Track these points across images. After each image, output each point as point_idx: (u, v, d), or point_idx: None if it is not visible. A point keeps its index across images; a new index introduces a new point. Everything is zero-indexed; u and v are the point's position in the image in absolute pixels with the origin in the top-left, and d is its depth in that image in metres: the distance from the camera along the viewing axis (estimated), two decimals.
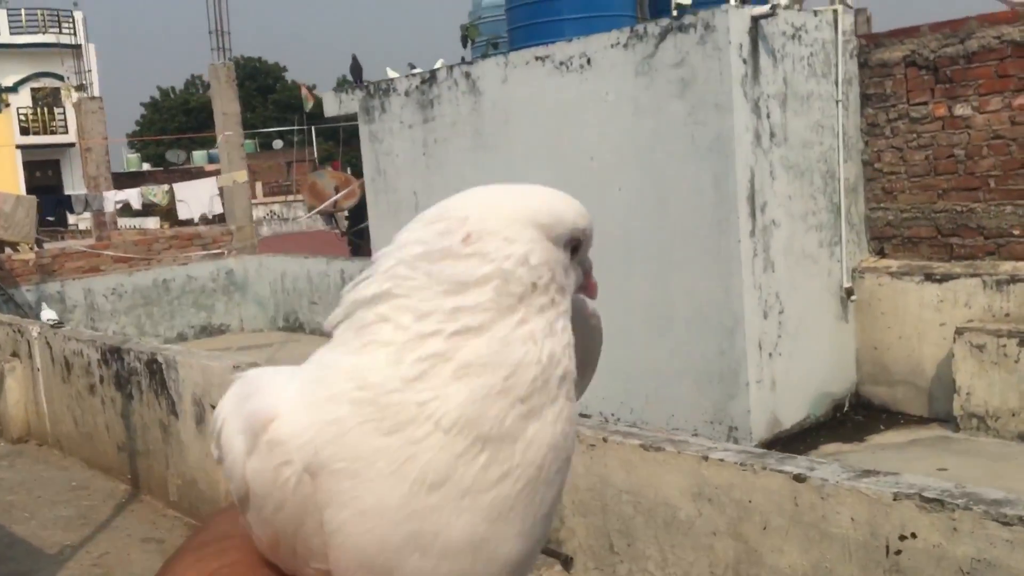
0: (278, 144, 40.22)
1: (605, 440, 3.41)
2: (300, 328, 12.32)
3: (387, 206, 8.89)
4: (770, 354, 6.55)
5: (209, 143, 40.34)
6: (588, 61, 7.00)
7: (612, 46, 6.85)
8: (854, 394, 7.21)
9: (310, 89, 34.16)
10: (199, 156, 38.64)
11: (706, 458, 3.09)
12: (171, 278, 12.25)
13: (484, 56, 8.25)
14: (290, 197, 31.12)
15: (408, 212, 8.81)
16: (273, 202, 30.41)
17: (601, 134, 7.02)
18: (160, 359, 5.95)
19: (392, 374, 0.44)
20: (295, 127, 30.60)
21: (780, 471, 2.93)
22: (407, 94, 8.41)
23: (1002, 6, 6.46)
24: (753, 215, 6.41)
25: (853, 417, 7.09)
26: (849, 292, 7.06)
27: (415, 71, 8.46)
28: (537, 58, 7.32)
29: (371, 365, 0.44)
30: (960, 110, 6.68)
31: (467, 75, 7.87)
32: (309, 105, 28.66)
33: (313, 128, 28.62)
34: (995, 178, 6.57)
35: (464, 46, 8.97)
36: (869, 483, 2.71)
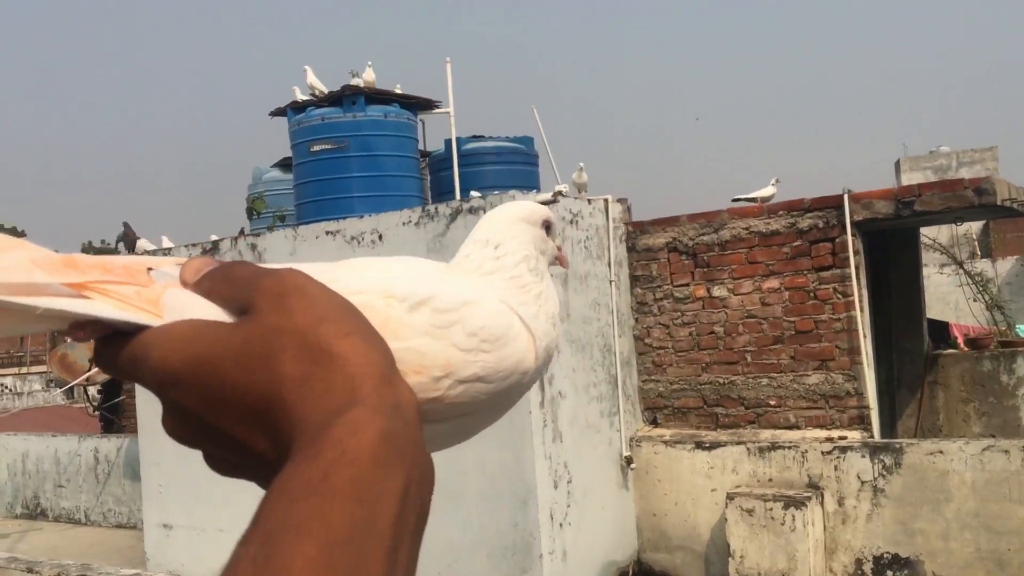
0: None
1: None
2: (43, 515, 11.10)
3: None
4: (561, 524, 6.67)
5: None
6: (380, 237, 7.17)
7: (404, 224, 7.08)
8: (636, 561, 7.43)
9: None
10: None
11: None
12: None
13: (271, 228, 8.22)
14: (23, 369, 28.59)
15: None
16: (6, 375, 27.80)
17: None
18: None
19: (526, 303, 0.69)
20: None
21: None
22: None
23: (746, 203, 7.33)
24: (542, 387, 6.66)
25: None
26: (628, 460, 7.39)
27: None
28: (328, 232, 7.40)
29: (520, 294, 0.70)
30: (717, 291, 7.39)
31: (253, 246, 7.80)
32: None
33: None
34: (751, 353, 7.25)
35: (250, 218, 8.91)
36: None
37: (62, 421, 17.20)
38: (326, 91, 8.67)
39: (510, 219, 0.74)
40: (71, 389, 16.64)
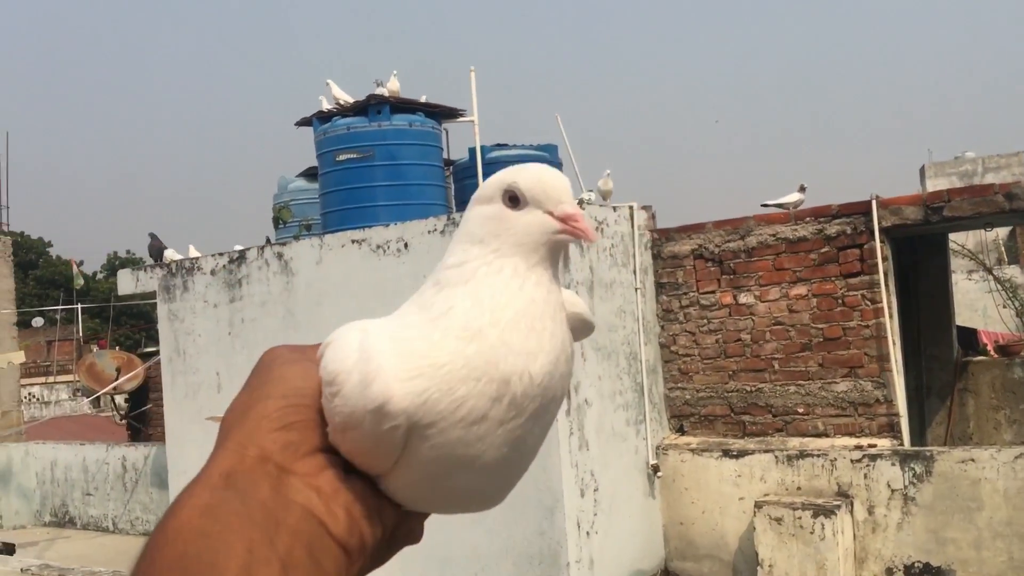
0: (38, 322, 37.56)
1: None
2: (71, 523, 11.19)
3: (185, 387, 8.47)
4: (587, 532, 6.64)
5: None
6: (405, 245, 7.19)
7: (429, 232, 7.09)
8: (664, 570, 7.39)
9: (79, 265, 32.44)
10: None
11: None
12: None
13: (297, 237, 8.27)
14: (51, 379, 28.84)
15: (209, 393, 8.45)
16: (33, 384, 28.08)
17: None
18: None
19: (449, 352, 0.54)
20: (61, 306, 28.83)
21: None
22: (213, 273, 8.23)
23: (775, 209, 7.30)
24: (568, 395, 6.62)
25: None
26: (655, 468, 7.36)
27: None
28: (353, 241, 7.43)
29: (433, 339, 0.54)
30: (744, 299, 7.35)
31: (279, 255, 7.84)
32: (80, 282, 27.19)
33: (80, 306, 27.05)
34: (779, 360, 7.20)
35: (276, 227, 8.97)
36: None
37: (90, 430, 17.35)
38: (351, 101, 8.72)
39: (469, 205, 0.59)
40: (98, 398, 16.79)
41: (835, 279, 7.02)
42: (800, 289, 7.12)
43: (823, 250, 7.06)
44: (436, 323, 0.54)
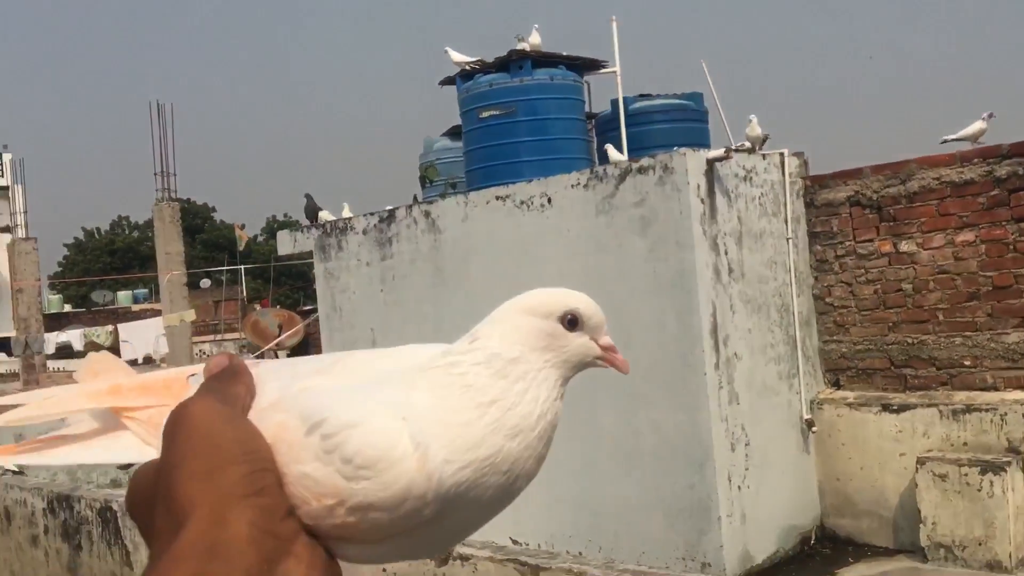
0: (205, 283, 39.80)
1: None
2: None
3: (342, 344, 8.80)
4: (739, 487, 6.55)
5: (134, 284, 39.69)
6: (549, 200, 7.19)
7: (572, 186, 7.06)
8: (819, 526, 7.22)
9: (241, 228, 34.10)
10: (123, 297, 37.89)
11: None
12: None
13: (443, 196, 8.41)
14: (218, 336, 30.58)
15: (365, 347, 8.60)
16: (203, 341, 29.89)
17: (561, 270, 7.14)
18: (115, 506, 5.67)
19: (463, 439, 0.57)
20: (226, 267, 30.41)
21: None
22: (365, 232, 8.47)
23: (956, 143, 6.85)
24: (717, 348, 6.53)
25: (820, 550, 7.07)
26: (809, 423, 7.16)
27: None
28: (497, 197, 7.49)
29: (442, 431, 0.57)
30: (905, 247, 7.00)
31: (427, 214, 7.99)
32: (243, 244, 28.60)
33: (243, 267, 28.47)
34: (943, 311, 6.83)
35: (423, 186, 9.14)
36: None
37: None
38: (477, 64, 8.72)
39: (511, 309, 0.62)
40: (262, 354, 17.70)
41: (1006, 224, 6.57)
42: (967, 235, 6.71)
43: (992, 193, 6.61)
44: (487, 412, 0.57)
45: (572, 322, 0.63)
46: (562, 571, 3.47)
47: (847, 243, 7.29)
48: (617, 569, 3.45)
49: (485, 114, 8.45)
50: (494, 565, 3.60)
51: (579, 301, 0.64)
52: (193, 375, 0.64)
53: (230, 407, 0.57)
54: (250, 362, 0.63)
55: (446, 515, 0.56)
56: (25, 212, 23.24)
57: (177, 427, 0.55)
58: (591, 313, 0.64)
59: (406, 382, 0.58)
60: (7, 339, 14.64)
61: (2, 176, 30.39)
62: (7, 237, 26.88)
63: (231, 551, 0.49)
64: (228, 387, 0.58)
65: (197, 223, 48.06)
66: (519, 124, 8.38)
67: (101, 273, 42.38)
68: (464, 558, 3.70)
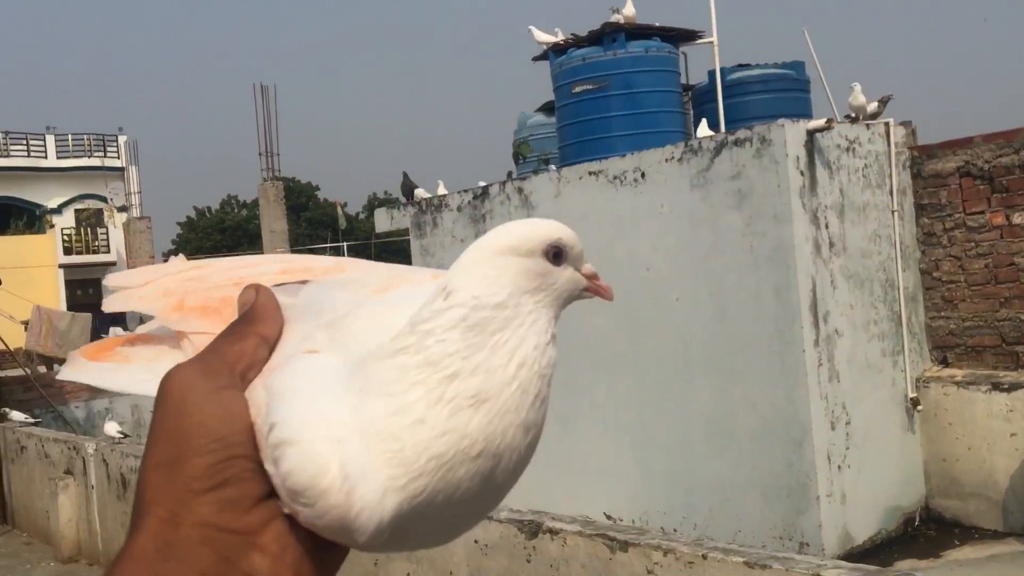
0: None
1: (704, 557, 3.30)
2: None
3: None
4: (839, 467, 6.39)
5: None
6: (642, 175, 7.11)
7: (667, 160, 6.97)
8: (924, 507, 7.00)
9: (343, 207, 34.75)
10: None
11: None
12: None
13: (536, 171, 8.40)
14: None
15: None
16: None
17: (656, 245, 7.07)
18: None
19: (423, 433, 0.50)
20: (329, 243, 31.09)
21: None
22: (459, 209, 8.54)
23: None
24: (816, 324, 6.37)
25: (925, 532, 6.87)
26: (915, 402, 6.93)
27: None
28: (590, 173, 7.45)
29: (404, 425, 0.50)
30: (1019, 219, 6.68)
31: (520, 190, 8.00)
32: (344, 222, 29.21)
33: (345, 244, 29.10)
34: None
35: (516, 163, 9.15)
36: None
37: None
38: (562, 41, 8.67)
39: (487, 250, 0.54)
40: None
41: None
42: None
43: None
44: (446, 389, 0.50)
45: (557, 255, 0.56)
46: (651, 547, 3.45)
47: (956, 215, 7.00)
48: (706, 547, 3.41)
49: (578, 89, 8.40)
50: (583, 540, 3.61)
51: (560, 231, 0.57)
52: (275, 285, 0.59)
53: (214, 378, 0.51)
54: (291, 289, 0.58)
55: (413, 530, 0.50)
56: (139, 192, 24.28)
57: (157, 403, 0.51)
58: (573, 242, 0.57)
59: (364, 376, 0.51)
60: (123, 315, 15.30)
61: (118, 158, 31.70)
62: (123, 216, 28.14)
63: (183, 552, 0.47)
64: (231, 344, 0.53)
65: (302, 201, 49.23)
66: (612, 98, 8.30)
67: (212, 250, 43.89)
68: (553, 532, 3.72)
